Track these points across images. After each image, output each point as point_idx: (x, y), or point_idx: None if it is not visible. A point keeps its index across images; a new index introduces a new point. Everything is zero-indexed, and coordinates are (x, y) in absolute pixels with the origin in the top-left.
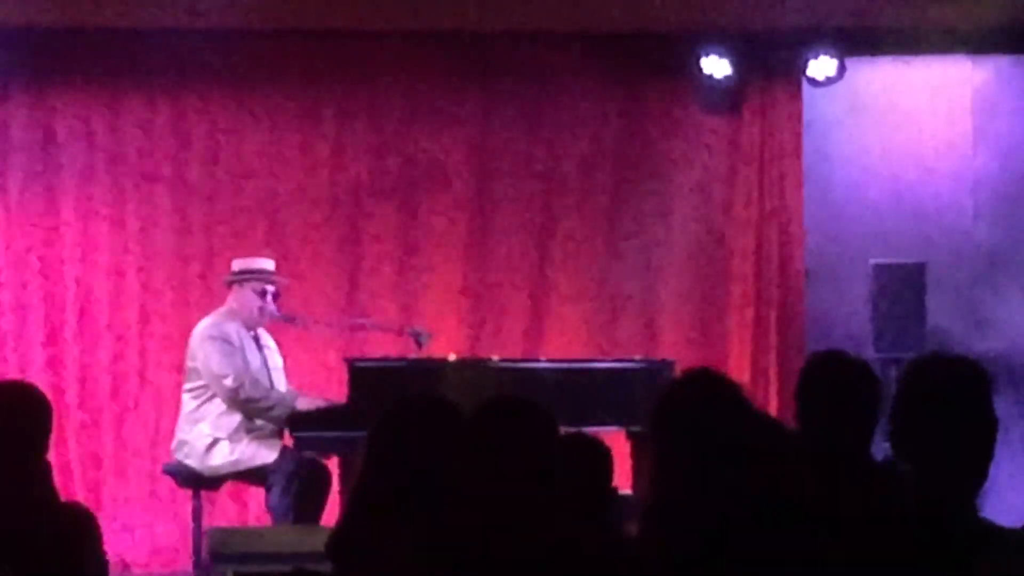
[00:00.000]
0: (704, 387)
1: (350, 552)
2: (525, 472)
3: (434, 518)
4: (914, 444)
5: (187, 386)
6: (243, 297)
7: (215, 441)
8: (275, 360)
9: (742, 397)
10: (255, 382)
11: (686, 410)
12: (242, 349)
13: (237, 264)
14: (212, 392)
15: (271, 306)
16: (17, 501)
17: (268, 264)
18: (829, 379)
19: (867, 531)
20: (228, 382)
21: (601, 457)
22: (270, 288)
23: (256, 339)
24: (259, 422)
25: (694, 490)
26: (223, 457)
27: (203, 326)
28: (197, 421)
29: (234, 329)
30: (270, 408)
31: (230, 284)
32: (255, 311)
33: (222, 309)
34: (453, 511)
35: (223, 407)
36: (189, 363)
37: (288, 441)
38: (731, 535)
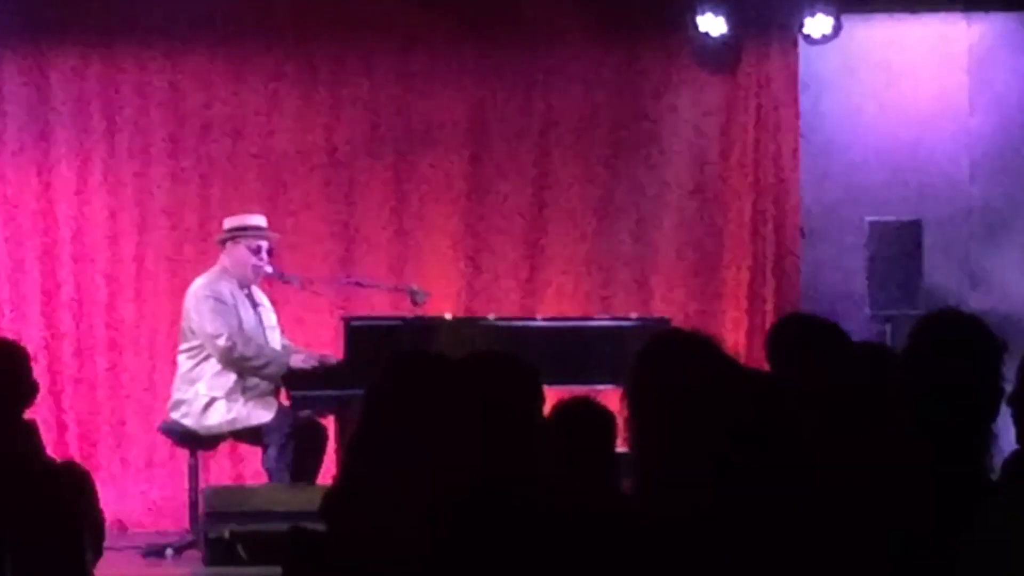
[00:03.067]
0: (675, 347)
1: (344, 511)
2: (510, 426)
3: (429, 476)
4: (920, 398)
5: (182, 346)
6: (237, 254)
7: (211, 401)
8: (269, 319)
9: (717, 351)
10: (248, 340)
11: (658, 371)
12: (236, 308)
13: (229, 222)
14: (207, 352)
15: (267, 264)
16: (3, 461)
17: (260, 220)
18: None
19: (863, 485)
20: (221, 341)
21: (605, 422)
22: (264, 244)
23: (250, 296)
24: (254, 381)
25: (675, 450)
26: (220, 416)
27: (196, 286)
28: (193, 381)
29: (227, 288)
30: (264, 366)
31: (223, 243)
32: (249, 268)
33: (215, 268)
34: (446, 468)
35: (218, 367)
36: (184, 323)
37: (284, 400)
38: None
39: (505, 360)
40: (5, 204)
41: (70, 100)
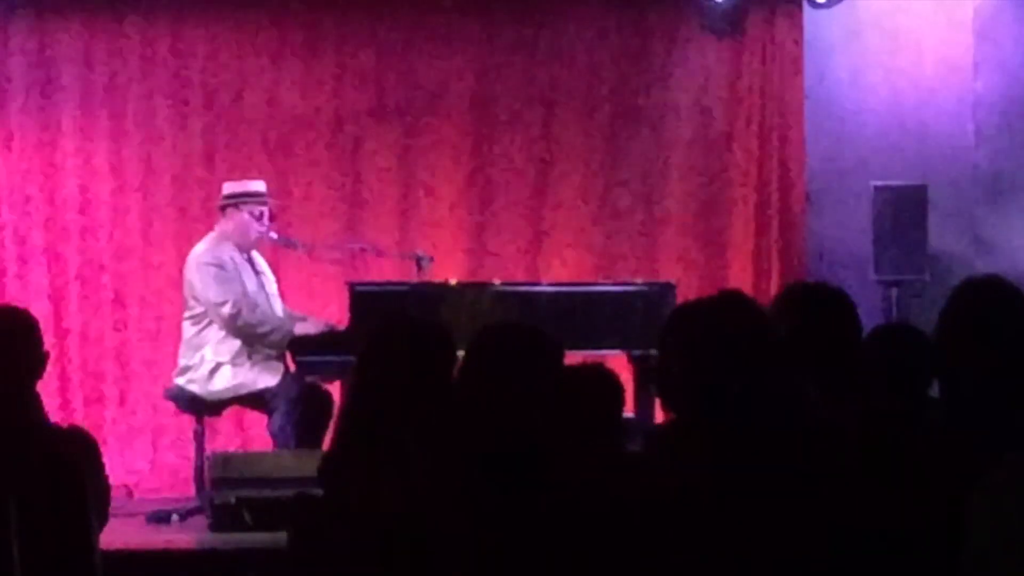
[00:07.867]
0: (727, 308)
1: (340, 475)
2: (526, 394)
3: (422, 442)
4: (957, 364)
5: (186, 313)
6: (239, 220)
7: (217, 366)
8: (271, 286)
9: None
10: (253, 307)
11: (711, 329)
12: (238, 274)
13: (229, 187)
14: (211, 318)
15: (271, 230)
16: (11, 428)
17: (261, 186)
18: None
19: (882, 461)
20: (226, 309)
21: (614, 389)
22: (265, 210)
23: (251, 262)
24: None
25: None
26: (226, 382)
27: (196, 253)
28: (199, 347)
29: (228, 254)
30: (268, 333)
31: (223, 208)
32: (251, 234)
33: (213, 234)
34: (446, 433)
35: (223, 332)
36: (185, 291)
37: (290, 365)
38: (740, 456)
39: (529, 330)
40: (11, 174)
41: (74, 70)
